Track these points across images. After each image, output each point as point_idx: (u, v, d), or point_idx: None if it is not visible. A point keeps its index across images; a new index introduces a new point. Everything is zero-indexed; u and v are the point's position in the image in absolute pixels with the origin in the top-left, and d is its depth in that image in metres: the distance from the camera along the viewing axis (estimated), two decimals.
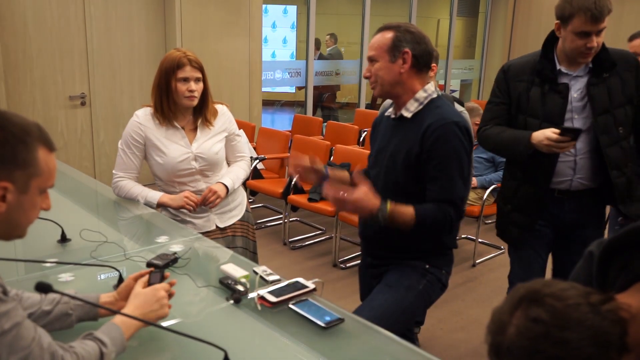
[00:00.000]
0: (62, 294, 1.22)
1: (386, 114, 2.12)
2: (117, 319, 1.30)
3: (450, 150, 1.88)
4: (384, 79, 1.95)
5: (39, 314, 1.35)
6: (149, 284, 1.45)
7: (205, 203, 2.40)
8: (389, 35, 1.93)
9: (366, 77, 2.01)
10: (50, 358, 1.06)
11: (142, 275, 1.48)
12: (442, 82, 9.34)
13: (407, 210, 1.88)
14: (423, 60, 1.95)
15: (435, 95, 1.98)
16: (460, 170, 1.90)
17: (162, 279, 1.51)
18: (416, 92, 1.97)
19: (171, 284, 1.49)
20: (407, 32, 1.92)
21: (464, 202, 1.94)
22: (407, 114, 1.98)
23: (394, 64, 1.93)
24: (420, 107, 1.96)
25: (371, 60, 1.98)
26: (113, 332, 1.25)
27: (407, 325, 2.28)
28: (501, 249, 4.66)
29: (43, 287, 1.15)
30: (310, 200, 4.31)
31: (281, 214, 5.04)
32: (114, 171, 2.50)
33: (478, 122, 4.29)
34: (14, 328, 1.02)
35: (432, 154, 1.89)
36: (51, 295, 1.39)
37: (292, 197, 4.45)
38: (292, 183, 4.46)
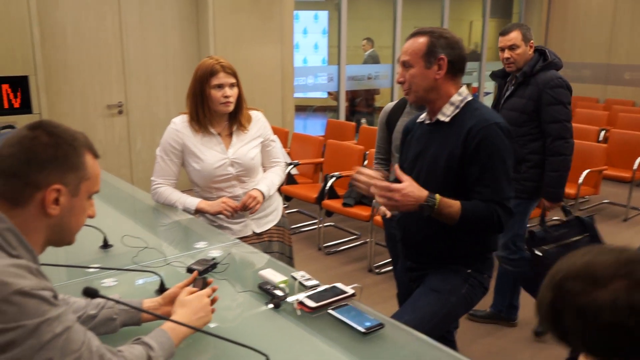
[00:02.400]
0: (108, 298, 1.24)
1: (419, 120, 2.11)
2: (166, 325, 1.33)
3: (494, 152, 1.88)
4: (419, 85, 1.95)
5: (84, 318, 1.38)
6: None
7: (245, 209, 2.42)
8: (423, 40, 1.93)
9: (400, 82, 2.01)
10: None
11: (189, 284, 1.51)
12: (475, 85, 9.24)
13: (454, 204, 1.87)
14: (458, 65, 1.95)
15: (470, 98, 1.97)
16: (505, 171, 1.90)
17: (205, 285, 1.54)
18: (451, 96, 1.96)
19: (213, 290, 1.51)
20: (441, 38, 1.92)
21: (510, 201, 1.93)
22: (444, 119, 1.97)
23: (429, 70, 1.93)
24: (457, 110, 1.96)
25: (405, 65, 1.97)
26: (161, 337, 1.27)
27: (447, 328, 2.26)
28: None
29: (90, 292, 1.18)
30: (344, 205, 4.30)
31: (315, 219, 5.04)
32: (152, 178, 2.54)
33: None
34: (65, 332, 1.04)
35: (476, 156, 1.88)
36: (96, 300, 1.42)
37: (327, 202, 4.45)
38: (327, 188, 4.46)
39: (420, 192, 1.83)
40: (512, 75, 3.17)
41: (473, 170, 1.90)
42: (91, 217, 1.25)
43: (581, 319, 0.86)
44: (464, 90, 1.99)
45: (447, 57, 1.91)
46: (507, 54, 3.09)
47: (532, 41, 3.10)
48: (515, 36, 3.05)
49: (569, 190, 4.86)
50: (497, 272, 3.38)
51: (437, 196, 1.84)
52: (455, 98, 1.96)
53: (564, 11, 9.27)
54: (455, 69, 1.95)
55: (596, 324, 0.85)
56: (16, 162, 1.09)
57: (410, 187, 1.82)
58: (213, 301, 1.49)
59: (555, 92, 2.97)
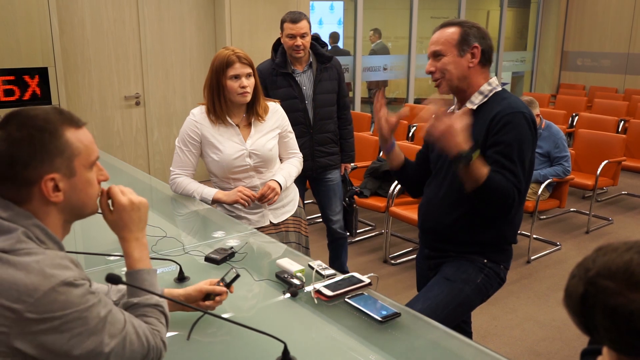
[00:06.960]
0: (131, 285, 1.27)
1: (449, 110, 2.12)
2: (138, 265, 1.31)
3: (515, 137, 1.87)
4: (453, 73, 1.96)
5: None
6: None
7: (263, 200, 2.44)
8: (454, 30, 1.95)
9: (430, 73, 2.01)
10: (142, 334, 1.15)
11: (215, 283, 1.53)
12: (492, 75, 9.15)
13: (485, 168, 1.81)
14: (488, 55, 1.98)
15: (499, 89, 1.98)
16: (521, 159, 1.87)
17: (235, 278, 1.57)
18: (480, 86, 1.98)
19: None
20: (473, 27, 1.95)
21: (522, 193, 1.90)
22: (471, 106, 1.98)
23: (462, 58, 1.95)
24: (485, 99, 1.97)
25: (436, 55, 1.98)
26: (147, 281, 1.28)
27: (462, 318, 2.26)
28: (557, 245, 4.54)
29: (113, 279, 1.20)
30: (360, 196, 4.30)
31: None
32: (171, 168, 2.57)
33: (538, 114, 4.23)
34: (109, 314, 1.09)
35: (498, 139, 1.88)
36: (117, 287, 1.45)
37: None
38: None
39: (464, 141, 1.76)
40: (293, 64, 3.32)
41: (492, 153, 1.87)
42: (104, 180, 1.24)
43: (611, 319, 0.84)
44: (494, 80, 2.01)
45: (480, 46, 1.94)
46: (299, 41, 3.26)
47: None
48: (306, 25, 3.28)
49: (587, 181, 4.82)
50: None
51: (477, 153, 1.78)
52: (485, 87, 1.98)
53: (583, 0, 9.14)
54: (486, 59, 1.98)
55: (626, 327, 0.83)
56: (1, 166, 1.09)
57: (459, 129, 1.74)
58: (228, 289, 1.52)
59: (343, 72, 3.53)
